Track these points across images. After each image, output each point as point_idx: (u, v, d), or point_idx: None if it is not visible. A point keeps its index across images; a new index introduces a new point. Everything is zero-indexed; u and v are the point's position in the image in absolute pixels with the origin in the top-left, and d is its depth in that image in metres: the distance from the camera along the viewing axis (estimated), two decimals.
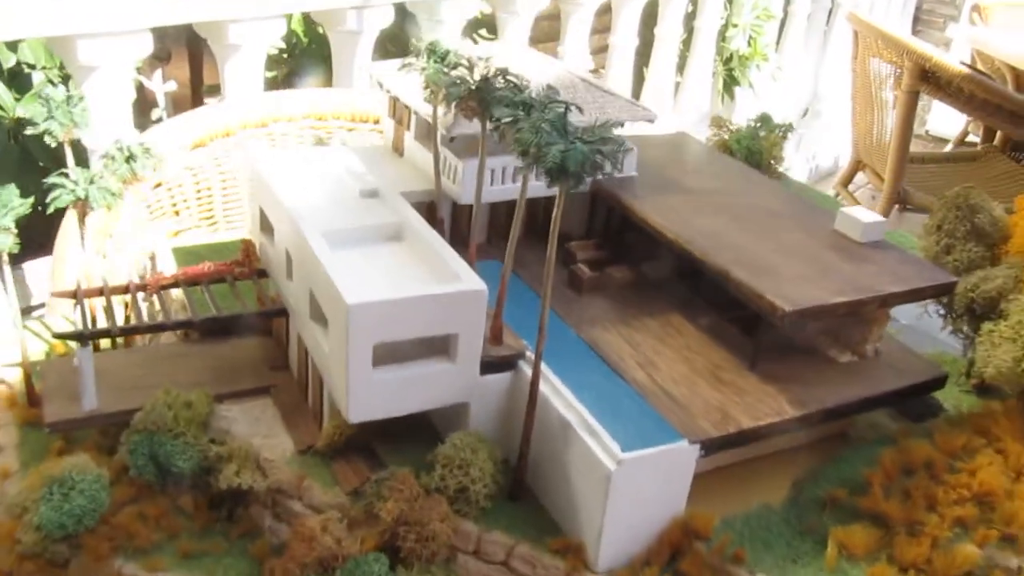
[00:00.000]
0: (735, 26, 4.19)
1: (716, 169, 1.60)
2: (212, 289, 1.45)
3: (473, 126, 1.24)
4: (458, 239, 1.45)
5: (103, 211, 1.41)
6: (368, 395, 1.16)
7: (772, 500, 1.23)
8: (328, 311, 1.18)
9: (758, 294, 1.18)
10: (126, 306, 1.52)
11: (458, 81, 1.17)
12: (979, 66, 3.53)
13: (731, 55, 4.24)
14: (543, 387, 1.18)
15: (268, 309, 1.43)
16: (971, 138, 4.37)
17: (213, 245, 1.85)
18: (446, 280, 1.19)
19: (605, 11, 3.40)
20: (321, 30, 2.88)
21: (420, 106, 1.38)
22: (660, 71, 3.71)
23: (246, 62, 2.34)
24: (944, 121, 5.14)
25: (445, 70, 1.22)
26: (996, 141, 3.70)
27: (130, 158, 1.41)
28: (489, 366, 1.23)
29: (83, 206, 1.39)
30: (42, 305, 3.10)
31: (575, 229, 1.56)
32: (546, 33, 3.57)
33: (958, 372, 1.44)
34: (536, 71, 1.40)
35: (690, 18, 3.78)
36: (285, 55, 3.62)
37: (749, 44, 4.29)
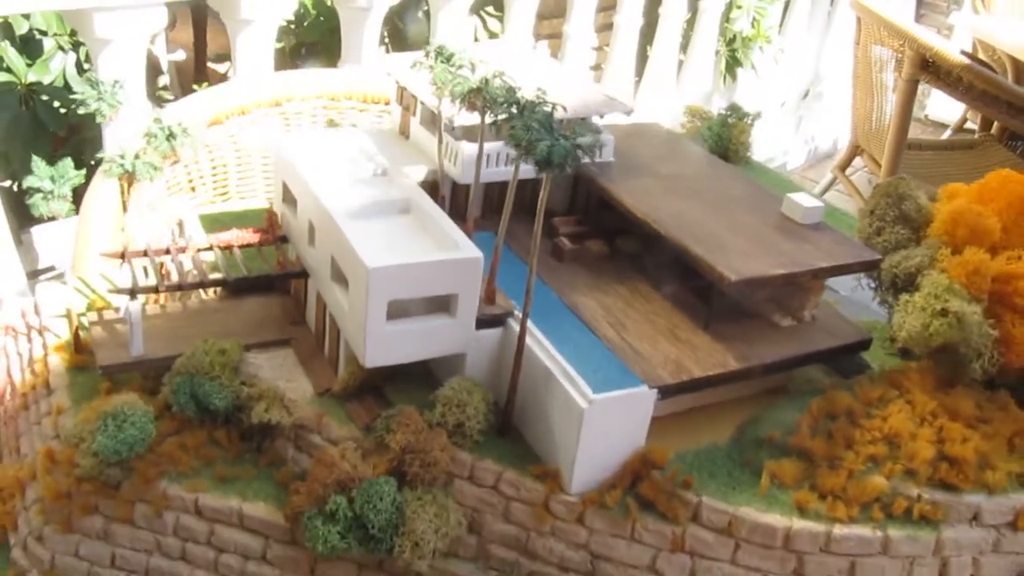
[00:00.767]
0: (739, 7, 4.20)
1: (685, 157, 1.82)
2: (242, 253, 1.66)
3: (473, 117, 1.44)
4: (456, 213, 1.66)
5: (146, 182, 1.61)
6: (382, 344, 1.38)
7: (719, 439, 1.46)
8: (349, 274, 1.39)
9: (710, 265, 1.40)
10: (161, 265, 1.72)
11: (462, 81, 1.37)
12: (980, 55, 3.59)
13: (734, 36, 4.28)
14: (528, 340, 1.40)
15: (291, 271, 1.63)
16: (969, 125, 4.37)
17: (233, 213, 2.04)
18: (448, 249, 1.40)
19: None
20: (330, 2, 2.98)
21: (426, 97, 1.59)
22: (663, 51, 3.76)
23: (257, 36, 2.45)
24: (943, 106, 5.10)
25: (451, 70, 1.43)
26: (993, 130, 3.74)
27: (170, 136, 1.61)
28: (483, 322, 1.44)
29: (130, 178, 1.59)
30: (51, 268, 3.27)
31: (558, 206, 1.77)
32: (551, 10, 3.63)
33: (885, 337, 1.67)
34: (530, 69, 1.60)
35: None
36: (293, 26, 3.72)
37: (753, 25, 4.31)
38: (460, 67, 1.41)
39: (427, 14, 3.52)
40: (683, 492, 1.35)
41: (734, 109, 2.32)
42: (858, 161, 3.71)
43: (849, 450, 1.38)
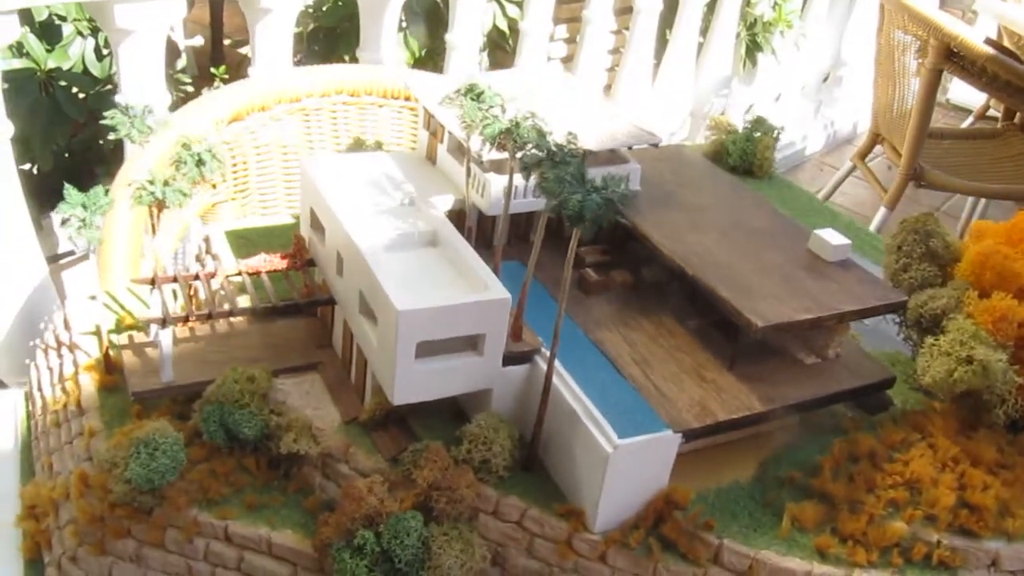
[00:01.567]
0: None
1: (711, 185, 1.82)
2: (268, 276, 1.68)
3: (501, 152, 1.45)
4: (482, 242, 1.68)
5: (176, 208, 1.62)
6: (410, 382, 1.40)
7: (741, 477, 1.48)
8: (378, 311, 1.41)
9: (737, 311, 1.41)
10: (190, 287, 1.74)
11: (491, 122, 1.38)
12: (1005, 42, 3.56)
13: (755, 20, 4.25)
14: (555, 380, 1.42)
15: (318, 299, 1.65)
16: (992, 112, 4.33)
17: (260, 229, 2.06)
18: (477, 289, 1.41)
19: None
20: None
21: (454, 128, 1.59)
22: (683, 34, 3.74)
23: (276, 24, 2.45)
24: (966, 91, 4.98)
25: (481, 107, 1.43)
26: (1016, 119, 3.72)
27: (200, 163, 1.62)
28: (510, 359, 1.46)
29: (160, 204, 1.60)
30: (71, 253, 3.30)
31: (585, 234, 1.77)
32: None
33: (908, 372, 1.67)
34: (555, 99, 1.60)
35: None
36: (311, 10, 3.71)
37: (774, 9, 4.28)
38: (491, 107, 1.41)
39: (445, 1, 3.51)
40: (705, 534, 1.37)
41: (759, 123, 2.32)
42: (877, 148, 3.70)
43: (870, 494, 1.40)
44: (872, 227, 3.56)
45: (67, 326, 1.83)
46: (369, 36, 2.76)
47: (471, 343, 1.43)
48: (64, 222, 1.57)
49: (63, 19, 3.15)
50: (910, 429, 1.47)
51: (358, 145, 2.17)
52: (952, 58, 2.93)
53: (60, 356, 1.82)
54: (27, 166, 3.25)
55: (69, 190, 1.54)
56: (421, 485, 1.40)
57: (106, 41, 3.11)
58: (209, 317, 1.57)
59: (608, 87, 3.93)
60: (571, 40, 4.11)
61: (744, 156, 2.27)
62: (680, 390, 1.44)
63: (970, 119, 4.64)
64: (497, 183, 1.57)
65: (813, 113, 4.87)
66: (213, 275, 1.65)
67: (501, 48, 3.85)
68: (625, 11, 3.73)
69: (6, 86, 2.80)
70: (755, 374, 1.49)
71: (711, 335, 1.56)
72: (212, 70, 4.18)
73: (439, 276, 1.49)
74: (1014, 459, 1.43)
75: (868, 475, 1.41)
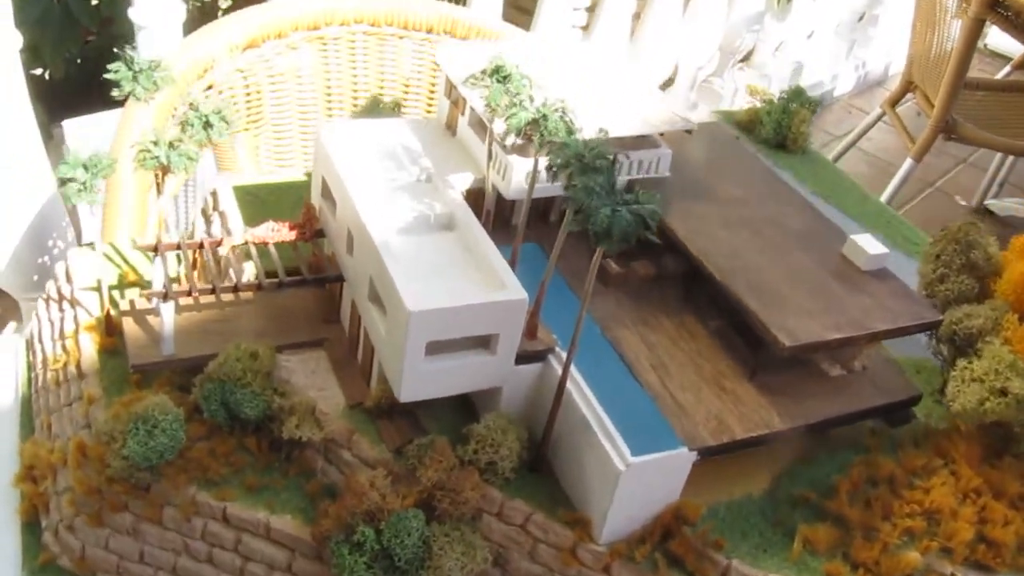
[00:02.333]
0: None
1: (743, 173, 1.72)
2: (275, 247, 1.61)
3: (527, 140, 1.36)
4: (499, 225, 1.60)
5: (181, 173, 1.54)
6: (418, 380, 1.34)
7: (753, 490, 1.44)
8: (388, 303, 1.34)
9: (765, 326, 1.34)
10: (194, 256, 1.68)
11: (517, 112, 1.29)
12: None
13: None
14: (568, 384, 1.36)
15: (327, 275, 1.58)
16: None
17: (270, 186, 1.98)
18: (493, 286, 1.35)
19: None
20: None
21: (476, 103, 1.50)
22: None
23: None
24: (1005, 38, 4.69)
25: (507, 90, 1.34)
26: None
27: (207, 125, 1.53)
28: (522, 358, 1.40)
29: (164, 168, 1.52)
30: None
31: (610, 251, 1.69)
32: None
33: (933, 382, 1.61)
34: (582, 76, 1.50)
35: None
36: None
37: None
38: (517, 93, 1.32)
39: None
40: (713, 553, 1.33)
41: (796, 95, 2.20)
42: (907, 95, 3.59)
43: (886, 521, 1.35)
44: (896, 178, 3.46)
45: (68, 279, 1.77)
46: None
47: (483, 342, 1.37)
48: (63, 183, 1.50)
49: None
50: (932, 454, 1.42)
51: (374, 104, 2.07)
52: (996, 8, 2.82)
53: (61, 310, 1.77)
54: (39, 71, 3.15)
55: (69, 151, 1.46)
56: (425, 485, 1.37)
57: None
58: (212, 291, 1.51)
59: (637, 16, 3.79)
60: None
61: (779, 129, 2.17)
62: (698, 401, 1.39)
63: (1007, 68, 4.50)
64: (520, 166, 1.49)
65: (845, 53, 4.71)
66: (219, 243, 1.58)
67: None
68: None
69: None
70: (777, 386, 1.43)
71: (733, 339, 1.50)
72: None
73: (453, 267, 1.42)
74: None
75: (886, 501, 1.36)
